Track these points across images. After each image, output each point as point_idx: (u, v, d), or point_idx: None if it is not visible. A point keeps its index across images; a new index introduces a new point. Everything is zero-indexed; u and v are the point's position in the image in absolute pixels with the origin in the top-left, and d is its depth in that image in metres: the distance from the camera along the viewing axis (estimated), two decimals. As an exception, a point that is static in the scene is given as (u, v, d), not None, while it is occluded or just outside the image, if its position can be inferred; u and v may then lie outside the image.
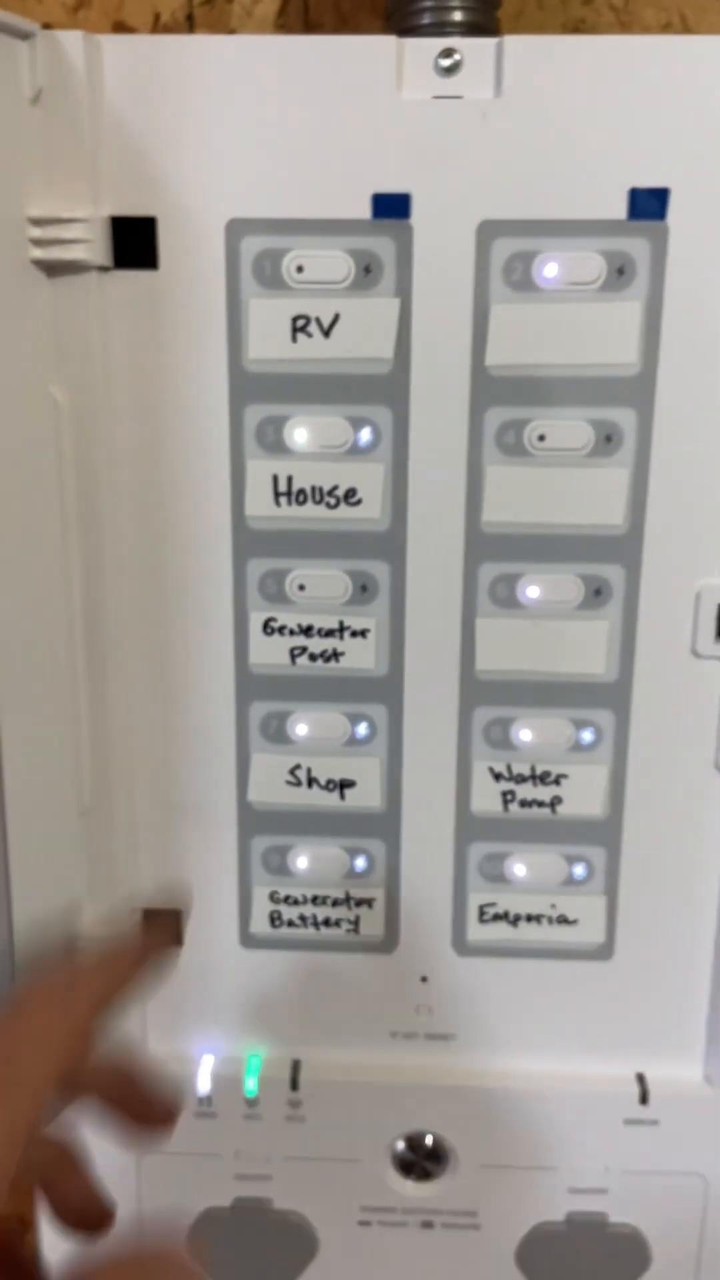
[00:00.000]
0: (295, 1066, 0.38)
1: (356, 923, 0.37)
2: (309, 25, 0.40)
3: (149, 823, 0.37)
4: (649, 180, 0.31)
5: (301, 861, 0.37)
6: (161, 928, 0.34)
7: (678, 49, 0.30)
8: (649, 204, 0.31)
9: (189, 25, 0.40)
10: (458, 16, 0.33)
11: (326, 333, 0.32)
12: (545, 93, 0.31)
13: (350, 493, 0.34)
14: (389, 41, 0.30)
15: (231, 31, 0.40)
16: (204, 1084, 0.38)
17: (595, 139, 0.31)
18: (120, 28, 0.40)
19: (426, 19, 0.33)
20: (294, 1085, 0.38)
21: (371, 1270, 0.40)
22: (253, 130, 0.31)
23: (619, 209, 0.31)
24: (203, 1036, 0.38)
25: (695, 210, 0.31)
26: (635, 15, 0.40)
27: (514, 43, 0.30)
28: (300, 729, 0.36)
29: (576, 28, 0.40)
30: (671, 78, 0.30)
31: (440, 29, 0.33)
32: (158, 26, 0.40)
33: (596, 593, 0.34)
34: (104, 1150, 0.39)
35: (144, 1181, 0.39)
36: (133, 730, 0.36)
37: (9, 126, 0.30)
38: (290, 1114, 0.38)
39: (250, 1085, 0.38)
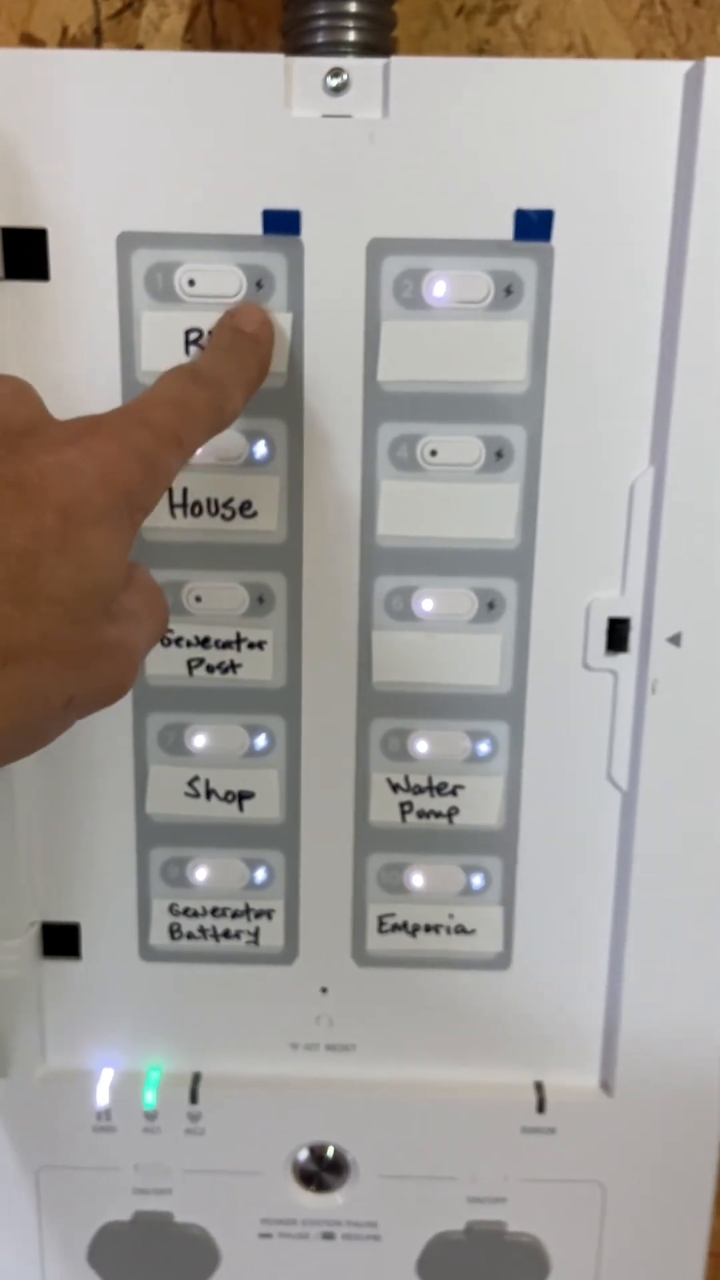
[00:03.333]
0: (195, 1079, 0.38)
1: (256, 934, 0.37)
2: (217, 41, 0.41)
3: (46, 834, 0.37)
4: (534, 202, 0.31)
5: (201, 873, 0.37)
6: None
7: (561, 73, 0.31)
8: (534, 225, 0.32)
9: (96, 38, 0.40)
10: (351, 36, 0.33)
11: (220, 346, 0.33)
12: (432, 114, 0.31)
13: (246, 505, 0.34)
14: (277, 60, 0.31)
15: (139, 46, 0.40)
16: (103, 1098, 0.38)
17: (482, 160, 0.31)
18: (27, 40, 0.40)
19: (321, 38, 0.33)
20: (194, 1098, 0.38)
21: (273, 1282, 0.40)
22: (144, 144, 0.31)
23: (505, 229, 0.32)
24: (102, 1050, 0.38)
25: (580, 232, 0.32)
26: (538, 37, 0.41)
27: (401, 64, 0.31)
28: (198, 740, 0.36)
29: (481, 48, 0.41)
30: (556, 101, 0.31)
31: (334, 48, 0.33)
32: (65, 39, 0.40)
33: (490, 606, 0.35)
34: (1, 1164, 0.38)
35: (43, 1196, 0.39)
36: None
37: None
38: (190, 1127, 0.38)
39: (149, 1098, 0.38)
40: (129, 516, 0.24)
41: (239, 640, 0.35)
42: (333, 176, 0.31)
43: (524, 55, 0.40)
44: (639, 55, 0.41)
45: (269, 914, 0.37)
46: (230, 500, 0.34)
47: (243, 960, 0.38)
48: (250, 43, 0.41)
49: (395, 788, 0.36)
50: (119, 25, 0.40)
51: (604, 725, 0.35)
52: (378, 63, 0.31)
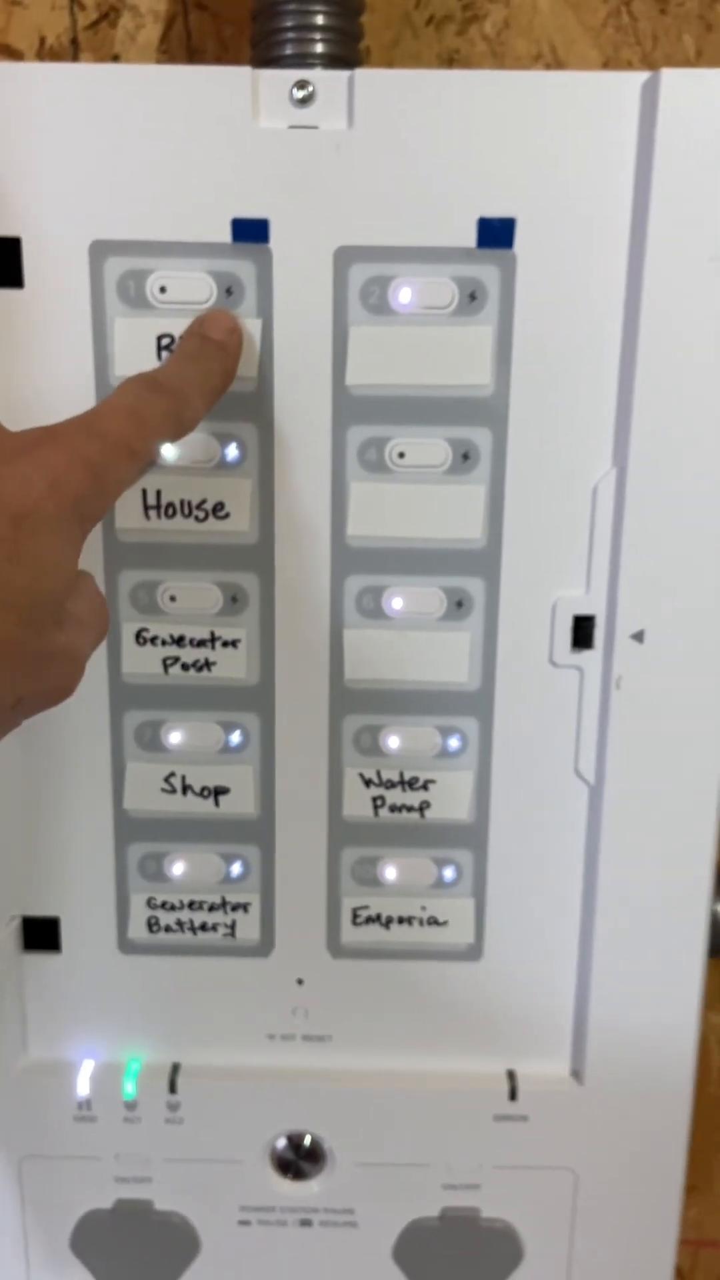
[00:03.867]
0: (174, 1069, 0.39)
1: (233, 927, 0.38)
2: (191, 51, 0.41)
3: (26, 830, 0.37)
4: (497, 210, 0.32)
5: (178, 868, 0.38)
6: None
7: (521, 84, 0.32)
8: (497, 233, 0.32)
9: (73, 49, 0.41)
10: (319, 49, 0.34)
11: (191, 352, 0.33)
12: (396, 124, 0.32)
13: (218, 506, 0.35)
14: (245, 72, 0.32)
15: (115, 56, 0.41)
16: (83, 1088, 0.38)
17: (445, 169, 0.32)
18: (5, 51, 0.41)
19: (289, 50, 0.34)
20: (173, 1088, 0.38)
21: (252, 1269, 0.40)
22: (115, 154, 0.32)
23: (469, 237, 0.32)
24: (82, 1041, 0.39)
25: (541, 239, 0.32)
26: (507, 46, 0.41)
27: (365, 76, 0.32)
28: (174, 737, 0.37)
29: (451, 58, 0.41)
30: (516, 112, 0.32)
31: (302, 60, 0.34)
32: (43, 50, 0.41)
33: (458, 604, 0.35)
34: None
35: (25, 1185, 0.40)
36: (6, 740, 0.36)
37: None
38: (169, 1116, 0.39)
39: (129, 1089, 0.38)
40: (78, 524, 0.25)
41: (213, 639, 0.36)
42: (300, 186, 0.32)
43: (493, 64, 0.41)
44: (606, 64, 0.41)
45: (245, 907, 0.38)
46: (203, 502, 0.35)
47: (220, 953, 0.38)
48: (224, 53, 0.41)
49: (368, 783, 0.37)
50: (95, 36, 0.41)
51: (570, 720, 0.36)
52: (342, 75, 0.32)
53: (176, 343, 0.33)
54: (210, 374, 0.31)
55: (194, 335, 0.32)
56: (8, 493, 0.24)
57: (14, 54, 0.41)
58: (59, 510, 0.24)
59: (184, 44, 0.41)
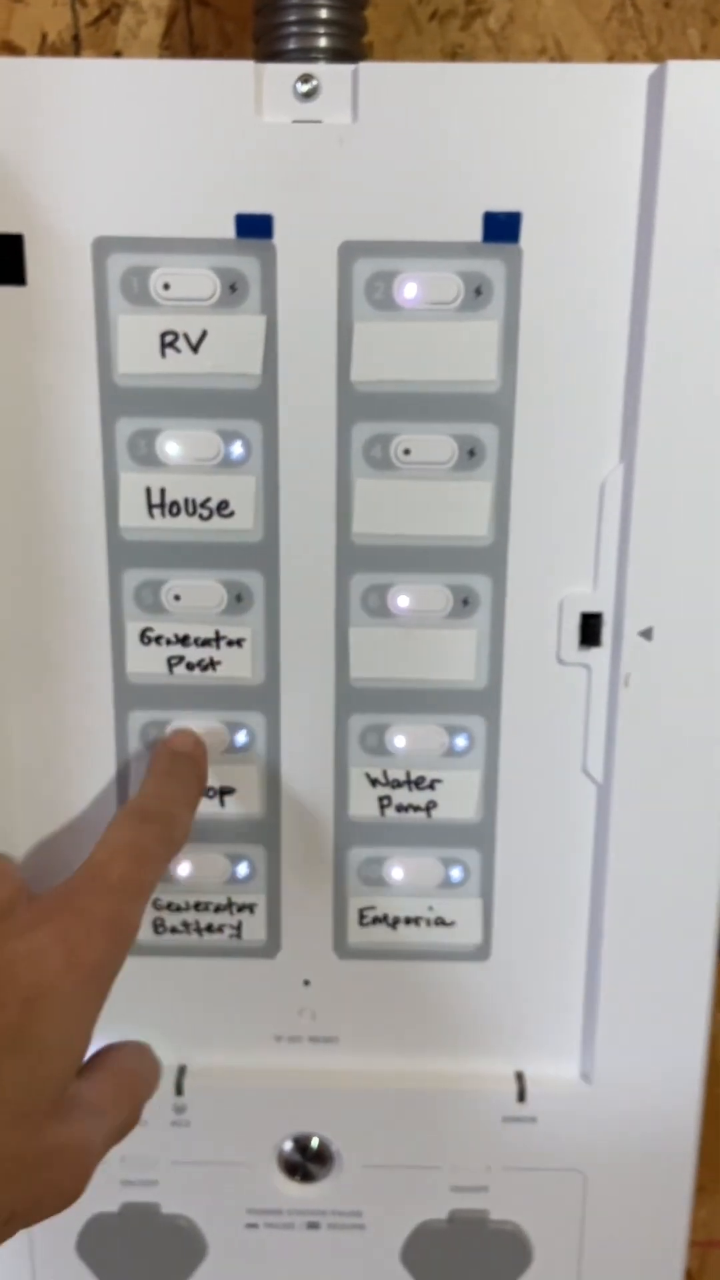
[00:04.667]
0: (180, 1072, 0.38)
1: (239, 928, 0.38)
2: (194, 47, 0.41)
3: (31, 832, 0.37)
4: (502, 204, 0.32)
5: (183, 868, 0.37)
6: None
7: (526, 77, 0.31)
8: (502, 227, 0.32)
9: (75, 45, 0.41)
10: (322, 42, 0.34)
11: (195, 348, 0.33)
12: (401, 118, 0.31)
13: (223, 504, 0.34)
14: (248, 66, 0.31)
15: (117, 52, 0.41)
16: (89, 1090, 0.38)
17: (450, 163, 0.32)
18: (7, 47, 0.41)
19: (292, 44, 0.34)
20: (179, 1090, 0.38)
21: (259, 1272, 0.40)
22: (118, 150, 0.32)
23: (474, 231, 0.32)
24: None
25: (547, 233, 0.32)
26: (512, 41, 0.41)
27: (369, 69, 0.31)
28: (179, 737, 0.36)
29: (454, 52, 0.41)
30: (522, 105, 0.31)
31: (305, 54, 0.34)
32: (44, 46, 0.41)
33: (464, 602, 0.35)
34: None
35: (31, 1189, 0.39)
36: (12, 741, 0.36)
37: None
38: (176, 1119, 0.38)
39: (135, 1091, 0.38)
40: (98, 989, 0.24)
41: (218, 638, 0.35)
42: (304, 181, 0.32)
43: (497, 59, 0.41)
44: (611, 58, 0.41)
45: (251, 908, 0.38)
46: (207, 500, 0.34)
47: (226, 954, 0.38)
48: (227, 48, 0.41)
49: (374, 782, 0.37)
50: (97, 32, 0.41)
51: (578, 719, 0.36)
52: (346, 68, 0.31)
53: (149, 764, 0.34)
54: (188, 785, 0.33)
55: (164, 754, 0.34)
56: (22, 973, 0.22)
57: (16, 51, 0.41)
58: (77, 984, 0.23)
59: (186, 39, 0.41)
